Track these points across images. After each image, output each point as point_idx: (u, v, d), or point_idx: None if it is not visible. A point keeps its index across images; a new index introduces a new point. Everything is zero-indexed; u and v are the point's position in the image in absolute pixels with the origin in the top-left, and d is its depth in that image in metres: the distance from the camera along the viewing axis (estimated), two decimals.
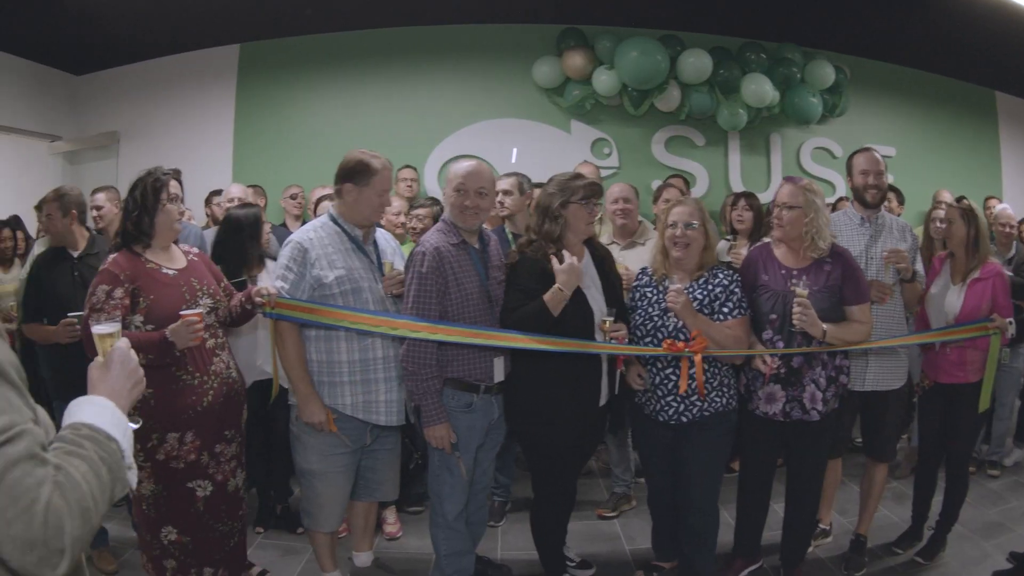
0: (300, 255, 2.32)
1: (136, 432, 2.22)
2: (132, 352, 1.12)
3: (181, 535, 2.24)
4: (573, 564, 2.81)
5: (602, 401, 2.50)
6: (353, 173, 2.38)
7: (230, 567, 2.35)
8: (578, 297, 2.37)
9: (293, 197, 4.38)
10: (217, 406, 2.28)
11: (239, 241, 2.96)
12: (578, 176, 2.52)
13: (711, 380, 2.45)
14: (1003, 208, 4.27)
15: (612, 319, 2.42)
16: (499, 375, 2.42)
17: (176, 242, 2.41)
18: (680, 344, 2.38)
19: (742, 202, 3.74)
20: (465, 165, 2.42)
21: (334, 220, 2.42)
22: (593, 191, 2.45)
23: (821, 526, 3.05)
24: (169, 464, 2.20)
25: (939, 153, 6.02)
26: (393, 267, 2.45)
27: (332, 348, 2.36)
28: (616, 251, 3.30)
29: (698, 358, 2.36)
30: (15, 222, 4.27)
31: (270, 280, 2.57)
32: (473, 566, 2.57)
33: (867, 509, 2.94)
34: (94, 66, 5.53)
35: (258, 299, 2.31)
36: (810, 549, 2.91)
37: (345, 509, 2.56)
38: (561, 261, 2.30)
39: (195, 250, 2.49)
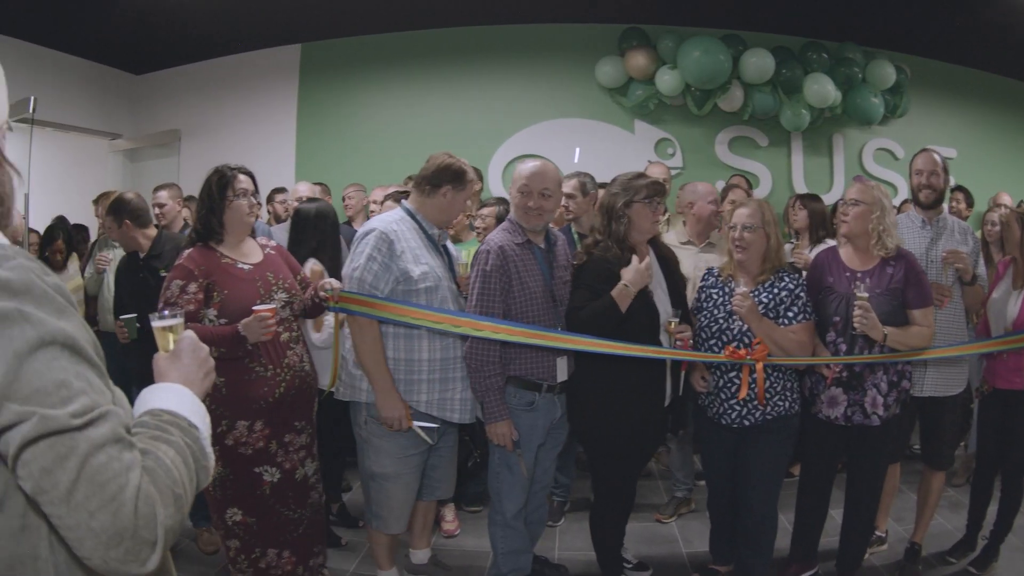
0: (386, 245, 2.28)
1: None
2: (200, 342, 1.07)
3: (246, 516, 2.28)
4: (630, 566, 2.80)
5: (666, 402, 2.49)
6: (455, 176, 2.39)
7: (297, 552, 2.37)
8: (644, 297, 2.36)
9: (344, 199, 4.34)
10: (289, 398, 2.30)
11: (318, 234, 2.93)
12: (641, 175, 2.50)
13: (774, 384, 2.43)
14: None
15: (678, 320, 2.41)
16: (562, 375, 2.41)
17: (254, 236, 2.43)
18: (741, 352, 2.35)
19: (797, 202, 3.75)
20: (530, 166, 2.41)
21: (411, 215, 2.41)
22: (656, 190, 2.43)
23: (877, 533, 3.01)
24: (237, 449, 2.23)
25: (1001, 155, 5.92)
26: (467, 268, 2.47)
27: (413, 346, 2.35)
28: (693, 252, 3.26)
29: (759, 367, 2.34)
30: (60, 223, 4.31)
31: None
32: (530, 565, 2.57)
33: (923, 517, 2.90)
34: (154, 66, 5.59)
35: (322, 293, 2.30)
36: (865, 556, 2.86)
37: (411, 510, 2.56)
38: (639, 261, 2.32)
39: (273, 243, 2.50)
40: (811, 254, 3.39)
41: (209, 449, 0.91)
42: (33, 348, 0.69)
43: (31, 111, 4.32)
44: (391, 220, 2.38)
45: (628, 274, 2.27)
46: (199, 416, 0.91)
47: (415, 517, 2.70)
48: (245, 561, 2.32)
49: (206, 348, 1.05)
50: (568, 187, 3.16)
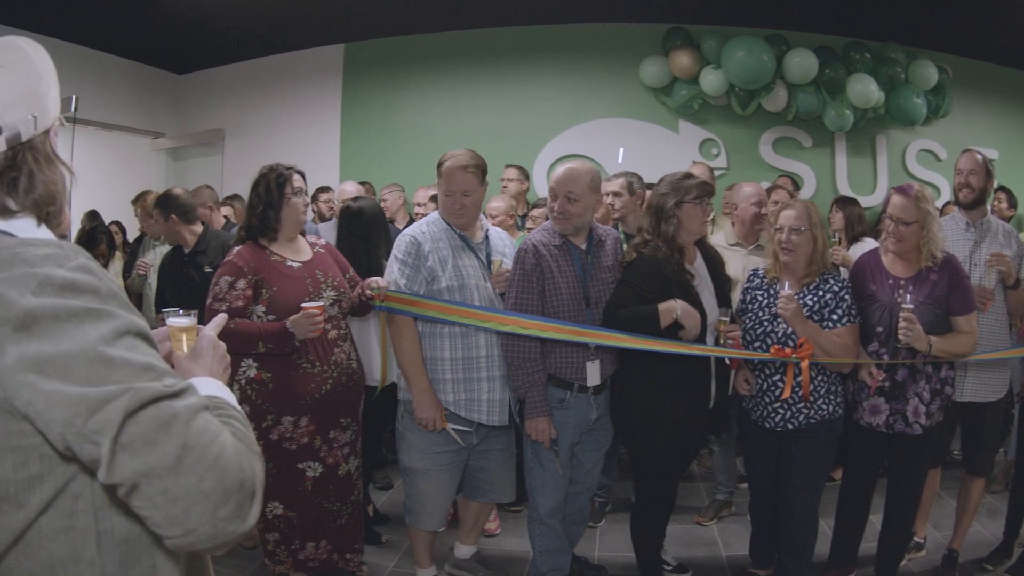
0: (414, 248, 2.34)
1: (251, 412, 2.24)
2: (218, 340, 1.05)
3: (287, 510, 2.32)
4: (670, 568, 2.78)
5: (710, 404, 2.47)
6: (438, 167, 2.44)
7: (336, 543, 2.41)
8: (692, 299, 2.34)
9: (382, 200, 4.35)
10: (335, 395, 2.32)
11: (364, 232, 2.94)
12: (690, 175, 2.49)
13: (818, 388, 2.41)
14: None
15: (728, 320, 2.40)
16: (593, 379, 2.40)
17: (303, 234, 2.45)
18: (787, 350, 2.34)
19: (834, 206, 3.80)
20: (559, 169, 2.41)
21: (444, 218, 2.46)
22: (706, 191, 2.43)
23: (915, 539, 2.97)
24: (281, 445, 2.26)
25: None
26: (502, 265, 2.45)
27: (436, 345, 2.37)
28: (742, 254, 3.24)
29: (804, 363, 2.32)
30: (98, 225, 4.35)
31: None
32: (568, 565, 2.57)
33: (962, 524, 2.87)
34: (196, 65, 5.64)
35: (368, 291, 2.35)
36: (903, 562, 2.84)
37: (447, 510, 2.56)
38: (684, 264, 2.36)
39: (323, 242, 2.52)
40: (848, 252, 3.43)
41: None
42: (114, 338, 0.70)
43: (73, 110, 4.36)
44: (423, 223, 2.44)
45: (687, 313, 2.27)
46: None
47: (466, 514, 2.73)
48: (284, 552, 2.37)
49: (223, 345, 1.03)
50: (615, 186, 3.17)
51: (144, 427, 0.67)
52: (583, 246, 2.45)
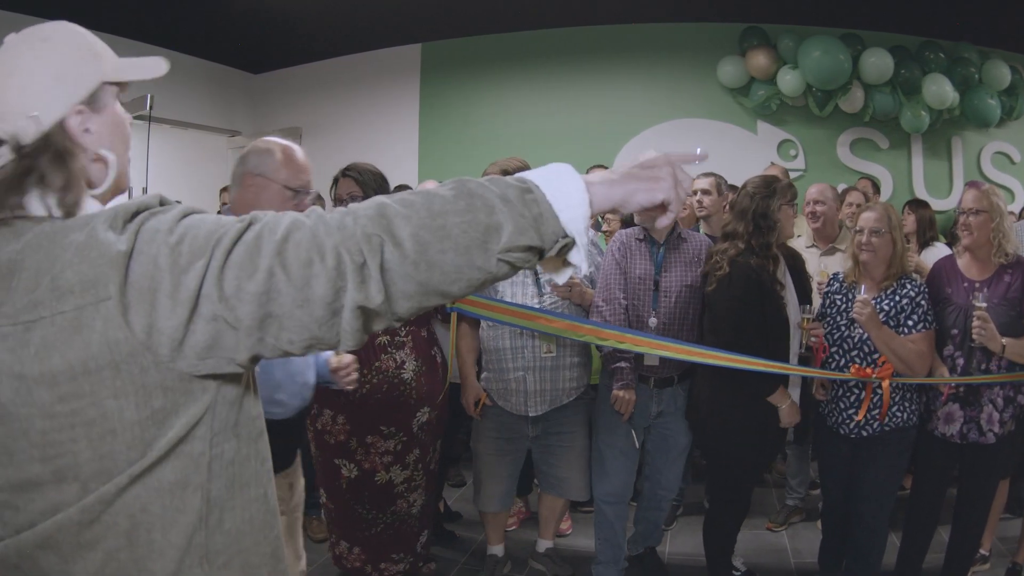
0: None
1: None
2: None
3: (329, 501, 2.41)
4: (739, 573, 2.80)
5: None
6: None
7: (368, 551, 2.40)
8: (777, 306, 2.36)
9: None
10: (374, 400, 2.29)
11: None
12: (776, 178, 2.52)
13: (893, 395, 2.40)
14: None
15: (811, 316, 2.42)
16: (651, 359, 2.53)
17: None
18: (868, 370, 2.33)
19: (906, 208, 3.81)
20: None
21: None
22: (795, 192, 2.49)
23: (981, 551, 2.91)
24: (323, 436, 2.33)
25: None
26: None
27: (486, 336, 2.55)
28: (816, 255, 3.25)
29: (886, 383, 2.32)
30: None
31: None
32: (623, 557, 2.68)
33: None
34: (272, 65, 5.74)
35: None
36: (967, 575, 2.78)
37: (503, 495, 2.65)
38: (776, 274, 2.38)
39: None
40: (920, 257, 3.42)
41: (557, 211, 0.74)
42: (178, 219, 0.69)
43: (148, 108, 4.47)
44: None
45: (786, 416, 2.38)
46: (563, 189, 0.74)
47: (540, 508, 2.82)
48: (327, 541, 2.48)
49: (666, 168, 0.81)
50: (704, 183, 3.20)
51: (238, 266, 0.66)
52: (661, 241, 2.58)
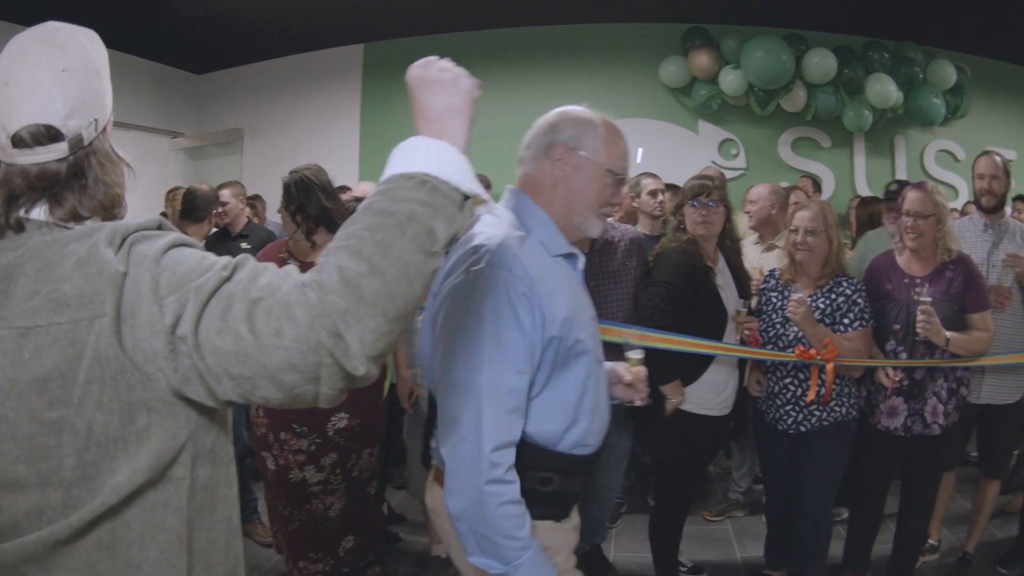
0: None
1: None
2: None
3: (265, 491, 2.46)
4: (685, 569, 2.81)
5: (730, 409, 2.49)
6: None
7: (288, 546, 2.42)
8: (714, 297, 2.37)
9: None
10: None
11: None
12: (695, 177, 2.55)
13: (834, 389, 2.42)
14: None
15: (746, 311, 2.44)
16: None
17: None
18: (812, 352, 2.33)
19: (858, 204, 3.89)
20: None
21: None
22: (697, 191, 2.42)
23: (930, 541, 2.97)
24: (254, 428, 2.39)
25: None
26: None
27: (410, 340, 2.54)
28: (758, 252, 3.25)
29: (829, 366, 2.32)
30: None
31: None
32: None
33: (976, 526, 2.87)
34: (215, 66, 5.66)
35: None
36: (917, 564, 2.82)
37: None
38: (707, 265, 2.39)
39: None
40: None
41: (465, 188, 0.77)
42: (165, 249, 0.72)
43: None
44: None
45: (668, 407, 2.37)
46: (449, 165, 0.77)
47: None
48: (273, 527, 2.52)
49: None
50: (660, 184, 3.26)
51: (211, 319, 0.67)
52: (586, 249, 2.47)
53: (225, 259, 0.72)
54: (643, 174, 3.46)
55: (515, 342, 1.13)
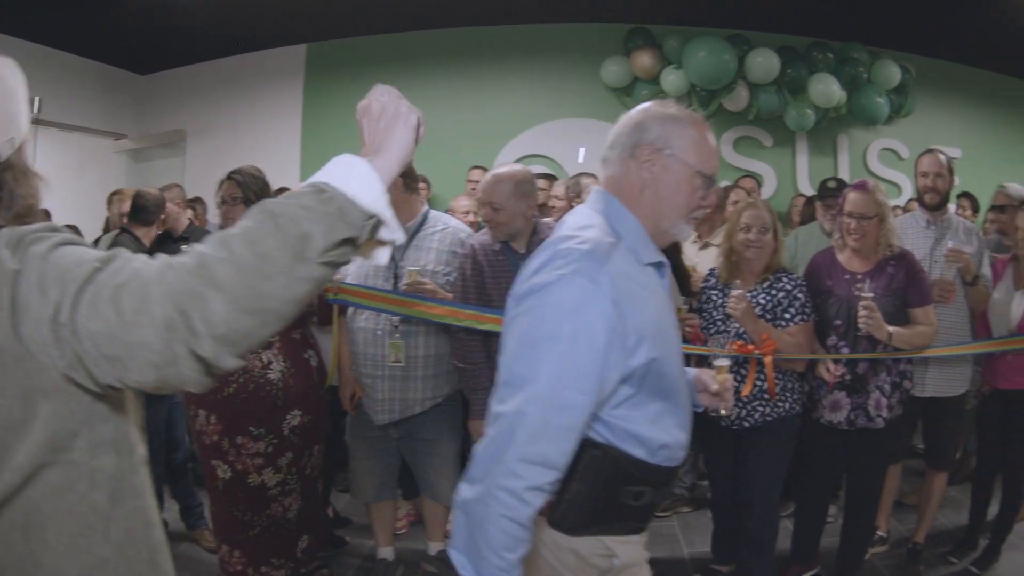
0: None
1: (183, 400, 2.37)
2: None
3: (212, 504, 2.42)
4: None
5: None
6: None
7: (248, 554, 2.39)
8: None
9: None
10: (240, 400, 2.30)
11: None
12: None
13: (774, 384, 2.45)
14: None
15: (687, 308, 2.46)
16: None
17: None
18: (750, 347, 2.36)
19: (803, 203, 3.93)
20: (485, 177, 2.45)
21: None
22: None
23: (879, 533, 3.02)
24: (201, 437, 2.35)
25: (1005, 154, 5.91)
26: (419, 274, 2.43)
27: (354, 339, 2.49)
28: (695, 251, 3.27)
29: (768, 359, 2.35)
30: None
31: None
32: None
33: (924, 517, 2.92)
34: (160, 66, 5.59)
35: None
36: (866, 556, 2.88)
37: (374, 488, 2.64)
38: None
39: None
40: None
41: (362, 208, 0.79)
42: (52, 247, 0.77)
43: (36, 111, 4.33)
44: None
45: None
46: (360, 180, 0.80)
47: (422, 510, 2.81)
48: (218, 544, 2.44)
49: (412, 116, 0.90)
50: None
51: (85, 311, 0.72)
52: (523, 250, 2.45)
53: (102, 252, 0.77)
54: (582, 174, 3.47)
55: (586, 358, 1.06)
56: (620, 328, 1.09)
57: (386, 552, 2.72)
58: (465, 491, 1.08)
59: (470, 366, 2.40)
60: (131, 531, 0.87)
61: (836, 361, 2.45)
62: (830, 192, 3.28)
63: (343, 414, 2.70)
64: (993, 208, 3.34)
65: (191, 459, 2.97)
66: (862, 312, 2.32)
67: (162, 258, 0.75)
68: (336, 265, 0.78)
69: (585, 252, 1.11)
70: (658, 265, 1.25)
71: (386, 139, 0.86)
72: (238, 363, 0.74)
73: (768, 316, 2.41)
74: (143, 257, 0.77)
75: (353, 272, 2.47)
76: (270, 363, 2.37)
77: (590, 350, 1.07)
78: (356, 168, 0.80)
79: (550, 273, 1.10)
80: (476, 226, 3.63)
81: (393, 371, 2.44)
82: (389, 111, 0.87)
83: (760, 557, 2.57)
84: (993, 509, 2.92)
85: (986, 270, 2.85)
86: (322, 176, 0.80)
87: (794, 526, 2.80)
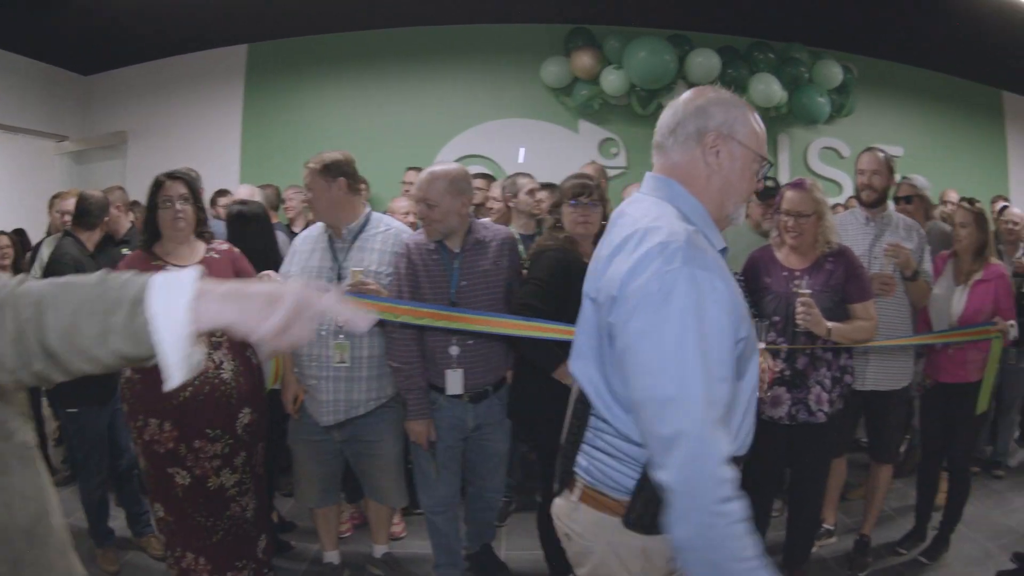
0: (291, 250, 2.52)
1: (129, 411, 2.30)
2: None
3: (167, 514, 2.36)
4: None
5: None
6: (328, 168, 2.47)
7: (213, 560, 2.39)
8: (578, 292, 2.40)
9: (285, 201, 4.32)
10: (196, 403, 2.29)
11: (245, 237, 2.92)
12: (571, 177, 2.54)
13: None
14: (1011, 208, 4.26)
15: None
16: (454, 387, 2.42)
17: (211, 239, 2.47)
18: None
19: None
20: (420, 175, 2.44)
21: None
22: (577, 191, 2.43)
23: (825, 526, 3.06)
24: (152, 446, 2.30)
25: (946, 153, 6.02)
26: (363, 275, 2.42)
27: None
28: None
29: None
30: None
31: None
32: (462, 560, 2.67)
33: (871, 509, 2.94)
34: (103, 66, 5.55)
35: None
36: (814, 549, 2.91)
37: (319, 492, 2.64)
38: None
39: (224, 247, 2.51)
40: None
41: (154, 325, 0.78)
42: None
43: None
44: (310, 228, 2.53)
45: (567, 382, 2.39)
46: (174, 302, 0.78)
47: (367, 512, 2.82)
48: (172, 557, 2.39)
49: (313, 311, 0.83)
50: (537, 184, 3.28)
51: None
52: (456, 249, 2.45)
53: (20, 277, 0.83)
54: (518, 174, 3.49)
55: (718, 348, 1.07)
56: (734, 311, 1.10)
57: (332, 556, 2.72)
58: (680, 532, 1.05)
59: (405, 366, 2.38)
60: (8, 504, 0.92)
61: (775, 356, 2.46)
62: (767, 191, 3.30)
63: (285, 417, 2.65)
64: (898, 199, 3.38)
65: (135, 466, 2.87)
66: (800, 308, 2.34)
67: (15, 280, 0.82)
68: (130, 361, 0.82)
69: (683, 243, 1.09)
70: (723, 251, 1.25)
71: (245, 296, 0.80)
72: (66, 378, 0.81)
73: None
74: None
75: (296, 274, 2.46)
76: (222, 363, 2.38)
77: (721, 336, 1.08)
78: (180, 298, 0.77)
79: (660, 273, 1.07)
80: (415, 226, 3.65)
81: (338, 372, 2.43)
82: (286, 297, 0.80)
83: None
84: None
85: (927, 266, 2.86)
86: (156, 285, 0.78)
87: None
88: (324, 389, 2.44)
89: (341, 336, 2.42)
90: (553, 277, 2.36)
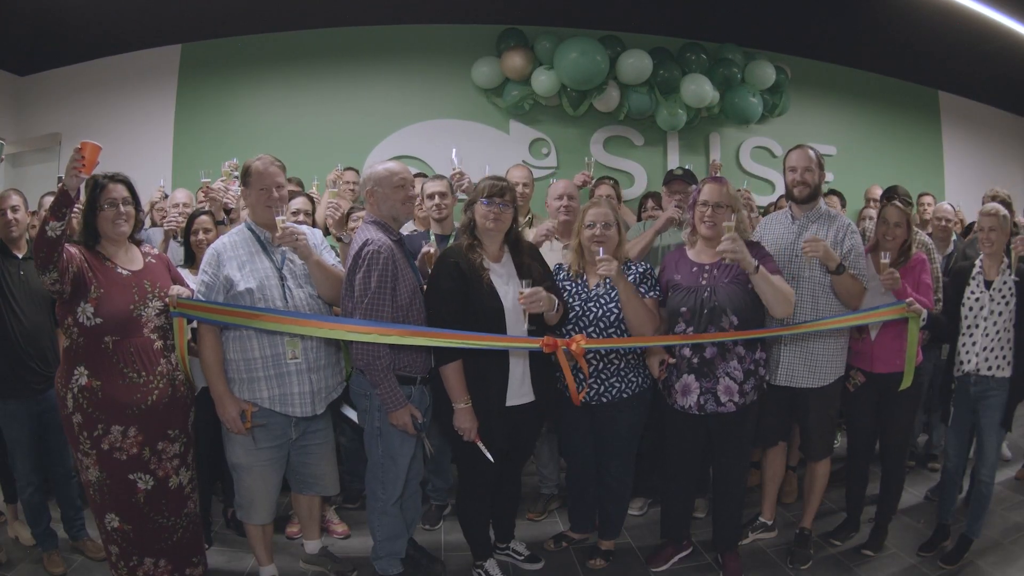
0: (214, 259, 2.45)
1: (83, 420, 2.29)
2: None
3: (123, 523, 2.34)
4: (521, 558, 2.93)
5: (521, 400, 2.55)
6: (242, 177, 2.56)
7: (173, 560, 2.44)
8: (489, 291, 2.48)
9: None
10: (161, 406, 2.37)
11: None
12: (488, 177, 2.62)
13: (630, 362, 2.69)
14: (941, 204, 4.35)
15: (526, 285, 2.46)
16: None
17: (140, 244, 2.52)
18: (557, 340, 2.44)
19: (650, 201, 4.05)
20: (394, 163, 2.60)
21: (248, 226, 2.56)
22: (494, 190, 2.51)
23: (763, 520, 3.11)
24: (112, 455, 2.30)
25: (881, 152, 6.14)
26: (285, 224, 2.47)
27: (246, 346, 2.45)
28: (561, 249, 3.33)
29: (574, 348, 2.44)
30: None
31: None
32: (405, 548, 2.72)
33: (810, 503, 3.00)
34: (38, 66, 5.50)
35: (166, 300, 2.41)
36: (748, 540, 3.03)
37: (274, 502, 2.63)
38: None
39: (155, 252, 2.57)
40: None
41: None
42: None
43: None
44: (226, 235, 2.54)
45: (460, 420, 2.49)
46: None
47: (300, 510, 2.83)
48: (124, 568, 2.39)
49: None
50: (439, 186, 3.32)
51: None
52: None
53: None
54: (420, 174, 3.55)
55: None
56: None
57: (269, 570, 2.71)
58: None
59: (376, 363, 2.40)
60: None
61: (680, 347, 2.62)
62: (674, 177, 3.34)
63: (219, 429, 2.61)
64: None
65: (75, 472, 2.84)
66: (725, 240, 2.46)
67: None
68: None
69: None
70: None
71: None
72: None
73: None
74: None
75: (247, 271, 2.46)
76: (177, 365, 2.46)
77: None
78: None
79: None
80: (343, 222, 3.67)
81: (299, 365, 2.48)
82: None
83: (619, 506, 2.91)
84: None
85: (860, 261, 2.79)
86: None
87: (661, 510, 2.94)
88: (294, 383, 2.48)
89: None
90: (446, 281, 2.46)
